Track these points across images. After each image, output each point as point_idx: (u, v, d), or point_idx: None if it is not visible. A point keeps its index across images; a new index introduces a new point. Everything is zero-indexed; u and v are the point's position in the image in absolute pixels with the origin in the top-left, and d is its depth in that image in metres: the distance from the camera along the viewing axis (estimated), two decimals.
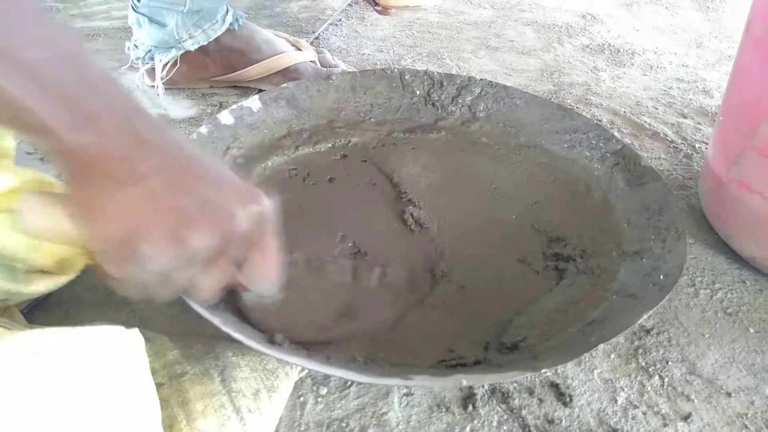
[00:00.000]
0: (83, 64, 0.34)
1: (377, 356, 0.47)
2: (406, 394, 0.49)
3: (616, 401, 0.50)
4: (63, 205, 0.37)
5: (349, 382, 0.50)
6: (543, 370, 0.46)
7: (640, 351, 0.54)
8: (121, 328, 0.35)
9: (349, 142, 0.71)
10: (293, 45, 0.89)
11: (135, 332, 0.36)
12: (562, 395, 0.50)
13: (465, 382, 0.43)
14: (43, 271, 0.47)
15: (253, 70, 0.85)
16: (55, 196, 0.37)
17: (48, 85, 0.32)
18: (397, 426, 0.47)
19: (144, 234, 0.35)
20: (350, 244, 0.58)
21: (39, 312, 0.54)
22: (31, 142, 0.36)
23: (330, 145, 0.70)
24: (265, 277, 0.42)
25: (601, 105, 0.90)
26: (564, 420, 0.48)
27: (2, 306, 0.46)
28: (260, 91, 0.85)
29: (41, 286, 0.46)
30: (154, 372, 0.39)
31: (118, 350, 0.35)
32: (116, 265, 0.36)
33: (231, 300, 0.46)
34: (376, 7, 0.89)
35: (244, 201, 0.39)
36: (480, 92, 0.75)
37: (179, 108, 0.84)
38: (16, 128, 0.34)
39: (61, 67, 0.33)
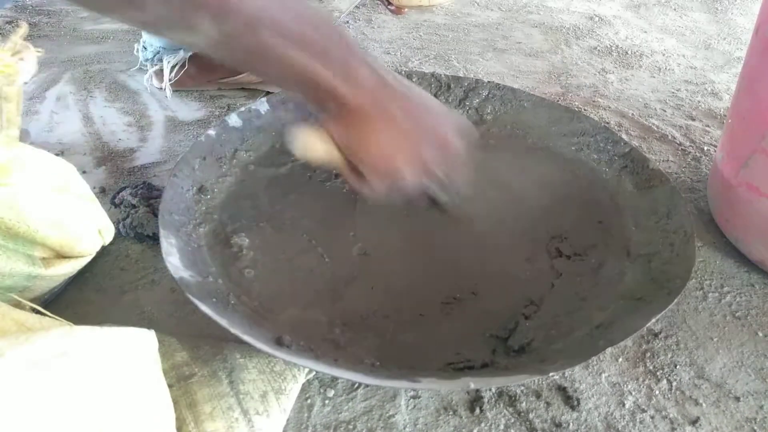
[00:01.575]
0: (340, 33, 0.48)
1: (385, 358, 0.47)
2: (414, 397, 0.49)
3: (623, 405, 0.50)
4: (328, 137, 0.51)
5: (356, 385, 0.50)
6: (550, 374, 0.46)
7: (648, 354, 0.54)
8: (138, 330, 0.36)
9: None
10: None
11: (151, 334, 0.36)
12: (569, 399, 0.50)
13: (472, 385, 0.43)
14: (61, 256, 0.49)
15: None
16: (323, 131, 0.51)
17: (327, 58, 0.46)
18: (404, 429, 0.47)
19: (397, 159, 0.50)
20: (359, 244, 0.58)
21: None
22: (306, 96, 0.49)
23: None
24: (461, 180, 0.56)
25: (609, 107, 0.90)
26: (571, 424, 0.48)
27: (18, 299, 0.47)
28: (268, 93, 0.85)
29: (60, 268, 0.49)
30: (163, 373, 0.39)
31: (136, 351, 0.35)
32: (377, 180, 0.51)
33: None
34: (389, 7, 0.88)
35: (455, 121, 0.55)
36: (487, 95, 0.75)
37: (187, 110, 0.85)
38: (304, 88, 0.47)
39: (329, 43, 0.46)
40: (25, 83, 0.85)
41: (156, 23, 0.41)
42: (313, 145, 0.52)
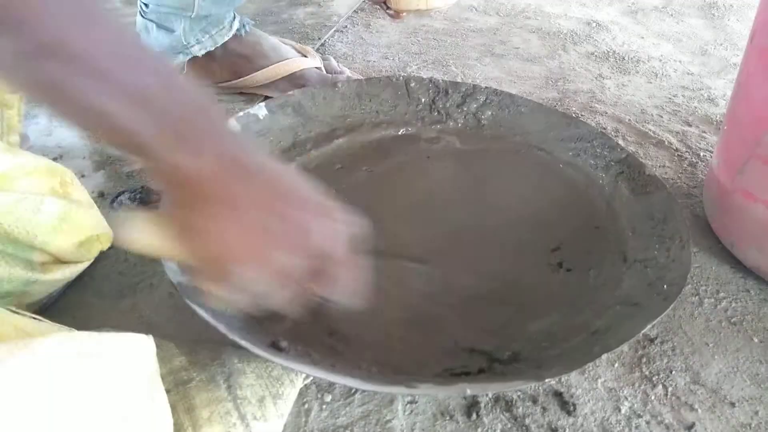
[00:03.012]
0: (182, 89, 0.36)
1: (382, 364, 0.48)
2: (411, 402, 0.50)
3: (619, 410, 0.50)
4: (162, 223, 0.39)
5: (353, 390, 0.50)
6: (547, 379, 0.46)
7: (644, 360, 0.54)
8: (136, 335, 0.36)
9: (355, 150, 0.71)
10: (299, 51, 0.90)
11: (149, 339, 0.37)
12: (565, 404, 0.50)
13: (469, 391, 0.43)
14: (59, 261, 0.49)
15: (259, 76, 0.86)
16: (155, 215, 0.40)
17: (151, 111, 0.34)
18: None
19: (233, 256, 0.38)
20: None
21: (46, 318, 0.54)
22: (132, 160, 0.37)
23: (334, 153, 0.70)
24: (347, 292, 0.43)
25: (606, 113, 0.90)
26: (567, 429, 0.48)
27: (17, 303, 0.48)
28: (266, 98, 0.85)
29: (58, 273, 0.49)
30: (161, 378, 0.39)
31: (134, 356, 0.35)
32: (212, 282, 0.39)
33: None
34: (388, 11, 0.89)
35: (323, 218, 0.41)
36: (485, 100, 0.75)
37: None
38: (121, 148, 0.36)
39: (163, 93, 0.35)
40: None
41: None
42: (142, 234, 0.40)
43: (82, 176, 0.71)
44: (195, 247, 0.38)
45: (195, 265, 0.40)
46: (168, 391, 0.41)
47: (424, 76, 0.77)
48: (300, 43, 0.93)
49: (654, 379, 0.53)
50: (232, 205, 0.37)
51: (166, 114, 0.34)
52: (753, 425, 0.50)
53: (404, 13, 1.15)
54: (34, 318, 0.40)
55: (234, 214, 0.37)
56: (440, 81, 0.76)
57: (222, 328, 0.43)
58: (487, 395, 0.50)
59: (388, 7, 1.02)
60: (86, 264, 0.54)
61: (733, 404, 0.51)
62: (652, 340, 0.56)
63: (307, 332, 0.50)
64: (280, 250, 0.39)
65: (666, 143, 0.84)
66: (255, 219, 0.38)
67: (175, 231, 0.38)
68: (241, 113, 0.67)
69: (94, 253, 0.54)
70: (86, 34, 0.32)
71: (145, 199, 0.63)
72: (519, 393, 0.51)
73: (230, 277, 0.38)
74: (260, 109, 0.69)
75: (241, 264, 0.38)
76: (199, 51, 0.83)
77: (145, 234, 0.40)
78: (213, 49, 0.84)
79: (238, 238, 0.38)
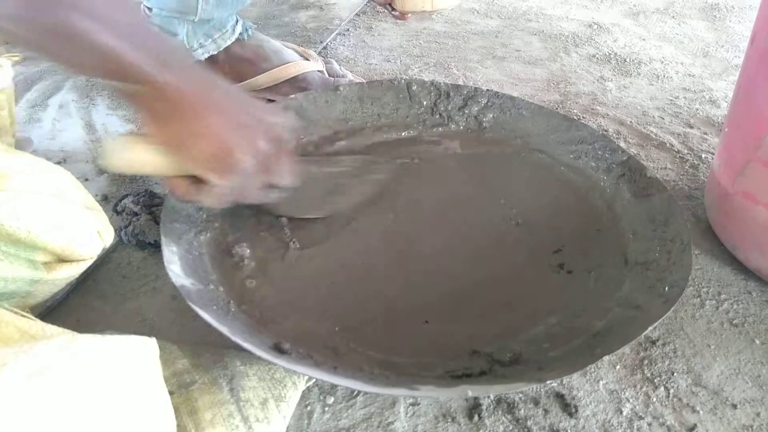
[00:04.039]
0: (148, 26, 0.48)
1: (384, 366, 0.48)
2: (413, 404, 0.50)
3: (621, 412, 0.50)
4: (148, 142, 0.46)
5: (355, 392, 0.50)
6: (548, 381, 0.46)
7: (646, 362, 0.54)
8: (140, 337, 0.36)
9: (356, 152, 0.71)
10: (301, 55, 0.90)
11: (152, 341, 0.37)
12: (567, 406, 0.50)
13: (471, 393, 0.43)
14: (62, 260, 0.49)
15: (261, 79, 0.86)
16: (138, 136, 0.47)
17: (136, 41, 0.43)
18: None
19: (234, 147, 0.46)
20: (361, 254, 0.59)
21: (50, 320, 0.54)
22: (118, 89, 0.45)
23: (336, 155, 0.71)
24: (292, 173, 0.54)
25: (608, 115, 0.91)
26: (569, 431, 0.48)
27: (22, 304, 0.48)
28: (269, 101, 0.85)
29: (62, 272, 0.49)
30: (164, 381, 0.40)
31: (137, 359, 0.35)
32: (216, 175, 0.47)
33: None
34: (393, 12, 0.89)
35: (279, 115, 0.53)
36: (486, 103, 0.76)
37: None
38: (112, 77, 0.44)
39: (141, 29, 0.45)
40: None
41: None
42: (130, 153, 0.46)
43: (86, 180, 0.72)
44: (193, 150, 0.46)
45: (195, 168, 0.46)
46: (171, 394, 0.41)
47: (426, 79, 0.77)
48: (302, 46, 0.94)
49: (656, 380, 0.53)
50: (217, 110, 0.46)
51: (147, 44, 0.44)
52: (755, 427, 0.50)
53: (409, 14, 1.16)
54: (37, 320, 0.40)
55: (221, 117, 0.46)
56: (442, 84, 0.76)
57: (225, 331, 0.44)
58: (488, 397, 0.50)
59: (393, 8, 1.03)
60: (89, 262, 0.54)
61: (734, 406, 0.51)
62: (653, 342, 0.56)
63: (309, 335, 0.50)
64: (260, 140, 0.48)
65: (668, 145, 0.84)
66: (239, 118, 0.48)
67: (164, 144, 0.46)
68: None
69: (97, 250, 0.54)
70: None
71: (148, 202, 0.64)
72: (521, 395, 0.51)
73: (233, 166, 0.46)
74: None
75: (242, 151, 0.47)
76: (202, 55, 0.83)
77: (134, 153, 0.46)
78: (216, 53, 0.84)
79: (231, 134, 0.46)
